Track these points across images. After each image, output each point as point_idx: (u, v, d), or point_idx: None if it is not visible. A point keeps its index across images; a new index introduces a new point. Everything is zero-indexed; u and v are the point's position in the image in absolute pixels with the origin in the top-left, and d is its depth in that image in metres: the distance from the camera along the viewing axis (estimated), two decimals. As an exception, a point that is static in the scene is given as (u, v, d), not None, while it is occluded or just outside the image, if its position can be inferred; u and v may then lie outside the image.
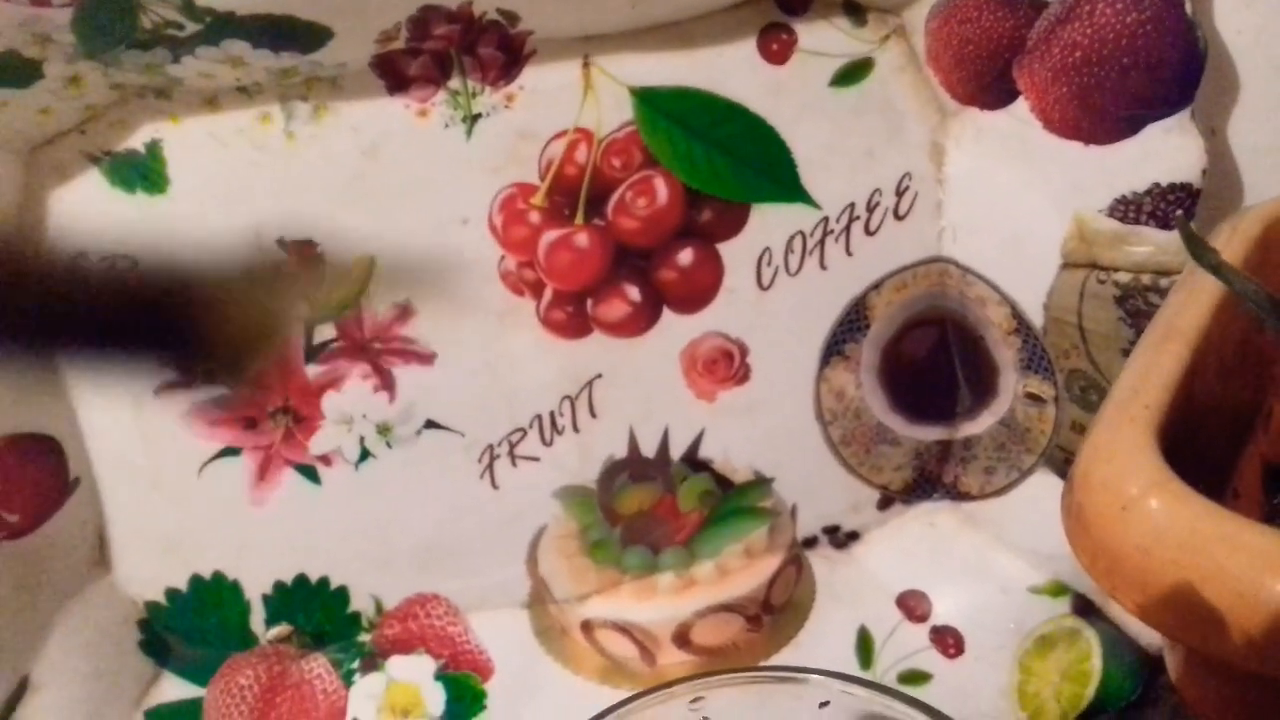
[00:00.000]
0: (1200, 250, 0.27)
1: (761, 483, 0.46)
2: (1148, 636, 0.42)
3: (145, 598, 0.45)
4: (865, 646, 0.45)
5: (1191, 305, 0.31)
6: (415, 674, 0.45)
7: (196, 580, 0.45)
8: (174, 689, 0.45)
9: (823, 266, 0.44)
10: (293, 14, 0.36)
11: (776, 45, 0.42)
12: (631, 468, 0.45)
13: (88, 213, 0.40)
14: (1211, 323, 0.31)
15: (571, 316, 0.43)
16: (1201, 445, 0.30)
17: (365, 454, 0.44)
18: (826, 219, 0.43)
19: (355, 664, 0.45)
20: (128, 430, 0.43)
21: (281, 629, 0.45)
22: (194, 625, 0.45)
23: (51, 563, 0.42)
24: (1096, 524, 0.25)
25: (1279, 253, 0.35)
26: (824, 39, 0.42)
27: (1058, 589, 0.44)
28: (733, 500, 0.46)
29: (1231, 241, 0.35)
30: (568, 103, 0.41)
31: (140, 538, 0.44)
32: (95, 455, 0.43)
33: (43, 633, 0.42)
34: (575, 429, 0.45)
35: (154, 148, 0.40)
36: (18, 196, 0.40)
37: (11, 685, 0.40)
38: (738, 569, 0.46)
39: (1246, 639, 0.23)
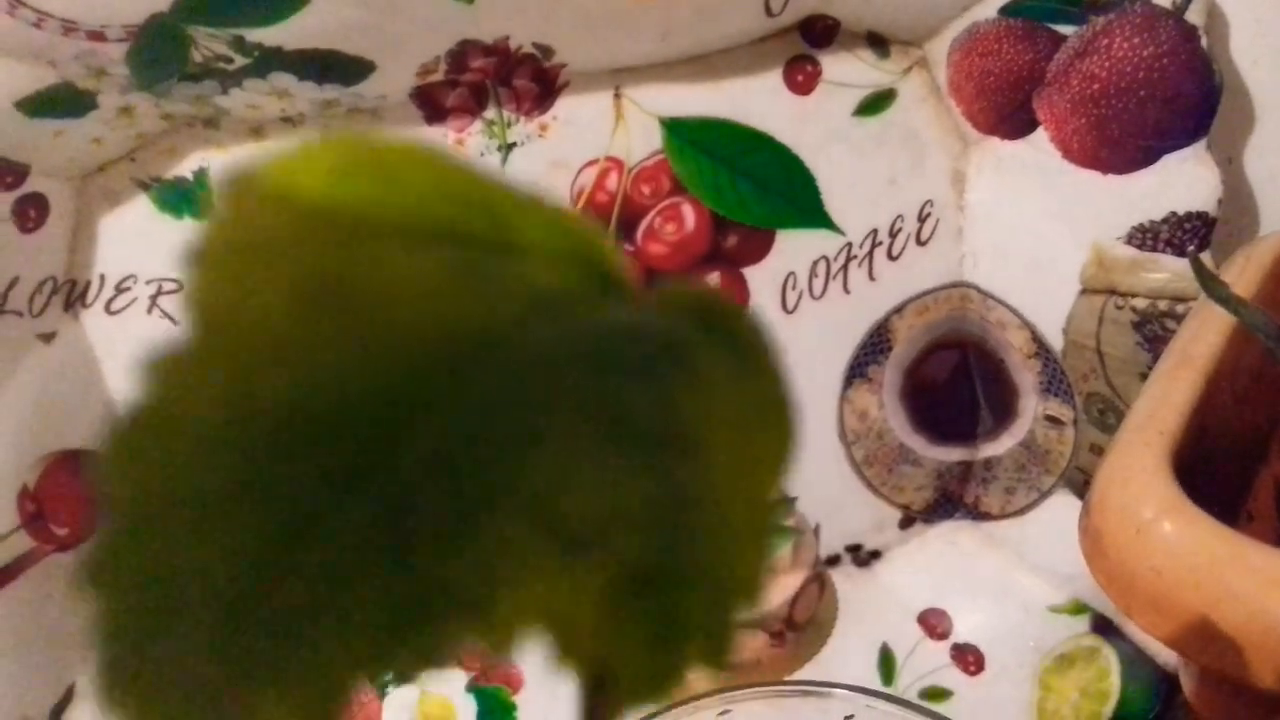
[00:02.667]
0: (1211, 284, 0.28)
1: (785, 501, 0.47)
2: (1166, 655, 0.42)
3: (186, 609, 0.46)
4: (887, 663, 0.45)
5: (1205, 333, 0.32)
6: (447, 686, 0.45)
7: (236, 593, 0.46)
8: (213, 698, 0.46)
9: (846, 291, 0.45)
10: (337, 49, 0.37)
11: (801, 76, 0.43)
12: (658, 486, 0.46)
13: (136, 237, 0.42)
14: (1225, 349, 0.31)
15: (601, 339, 0.44)
16: (1216, 468, 0.31)
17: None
18: (850, 244, 0.44)
19: (388, 675, 0.46)
20: (172, 447, 0.44)
21: (317, 641, 0.46)
22: (233, 637, 0.46)
23: (97, 575, 0.43)
24: (1112, 546, 0.26)
25: (1294, 281, 0.36)
26: (848, 70, 0.43)
27: (1077, 608, 0.44)
28: (757, 518, 0.47)
29: (1246, 270, 0.36)
30: (599, 132, 0.42)
31: (182, 551, 0.45)
32: (140, 471, 0.44)
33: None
34: (604, 448, 0.45)
35: (201, 175, 0.41)
36: (70, 221, 0.41)
37: (59, 693, 0.42)
38: (762, 586, 0.46)
39: (1258, 658, 0.24)
